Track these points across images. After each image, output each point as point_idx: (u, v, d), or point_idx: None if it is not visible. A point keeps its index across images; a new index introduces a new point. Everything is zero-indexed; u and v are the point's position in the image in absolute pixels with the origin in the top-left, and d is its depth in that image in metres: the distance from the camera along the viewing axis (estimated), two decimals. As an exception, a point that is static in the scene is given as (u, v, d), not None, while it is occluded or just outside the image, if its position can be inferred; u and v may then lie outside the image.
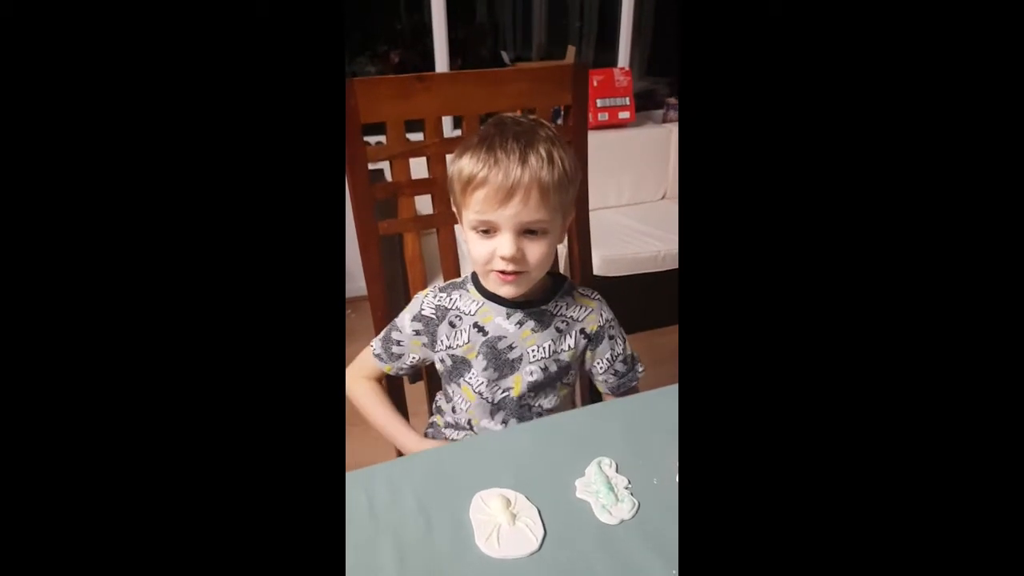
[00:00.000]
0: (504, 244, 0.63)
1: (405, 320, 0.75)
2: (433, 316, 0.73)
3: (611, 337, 0.76)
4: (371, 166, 0.79)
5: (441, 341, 0.73)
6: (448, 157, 0.71)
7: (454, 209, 0.71)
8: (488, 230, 0.64)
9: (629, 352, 0.78)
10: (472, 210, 0.64)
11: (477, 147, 0.64)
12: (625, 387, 0.78)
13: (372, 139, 0.82)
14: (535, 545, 0.46)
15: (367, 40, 2.56)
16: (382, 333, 0.78)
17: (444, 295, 0.74)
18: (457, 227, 0.75)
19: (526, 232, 0.64)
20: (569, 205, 0.68)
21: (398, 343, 0.76)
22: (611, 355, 0.76)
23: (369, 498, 0.51)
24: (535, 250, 0.64)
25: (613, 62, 2.35)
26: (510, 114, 0.72)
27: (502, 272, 0.65)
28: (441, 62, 2.14)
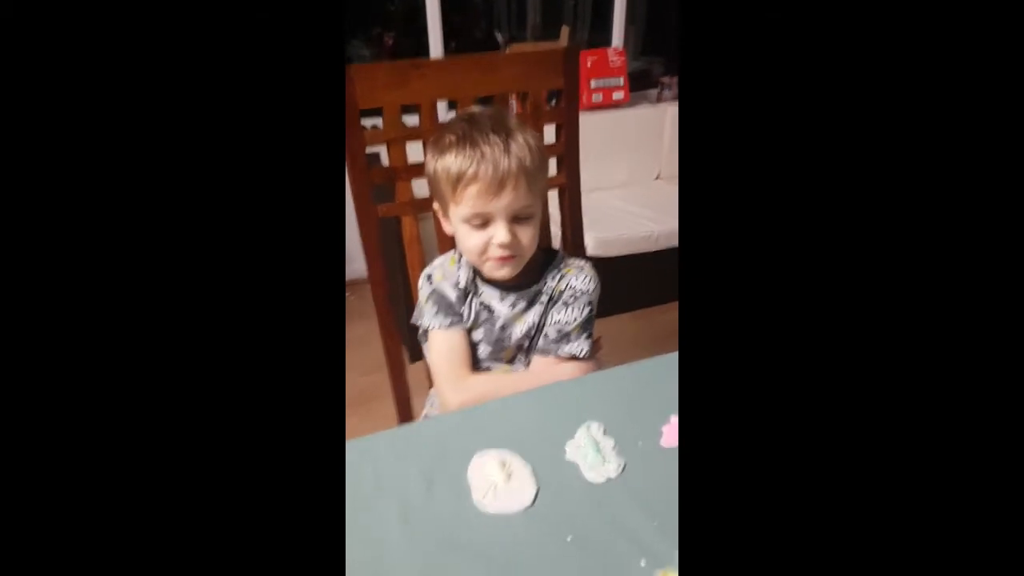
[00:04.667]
0: (500, 233, 0.67)
1: (447, 288, 0.76)
2: (467, 287, 0.76)
3: (565, 303, 0.75)
4: (367, 150, 0.82)
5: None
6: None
7: (435, 205, 0.74)
8: (482, 222, 0.67)
9: (573, 328, 0.74)
10: (465, 205, 0.67)
11: (459, 144, 0.66)
12: (544, 353, 0.75)
13: (368, 122, 0.85)
14: (528, 501, 0.50)
15: (360, 23, 2.55)
16: (427, 308, 0.76)
17: (467, 269, 0.76)
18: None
19: (516, 219, 0.68)
20: (546, 186, 0.73)
21: (451, 306, 0.75)
22: (552, 318, 0.75)
23: (375, 466, 0.54)
24: (526, 233, 0.69)
25: (607, 42, 2.36)
26: (475, 107, 0.75)
27: (499, 258, 0.69)
28: (435, 44, 2.14)
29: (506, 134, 0.66)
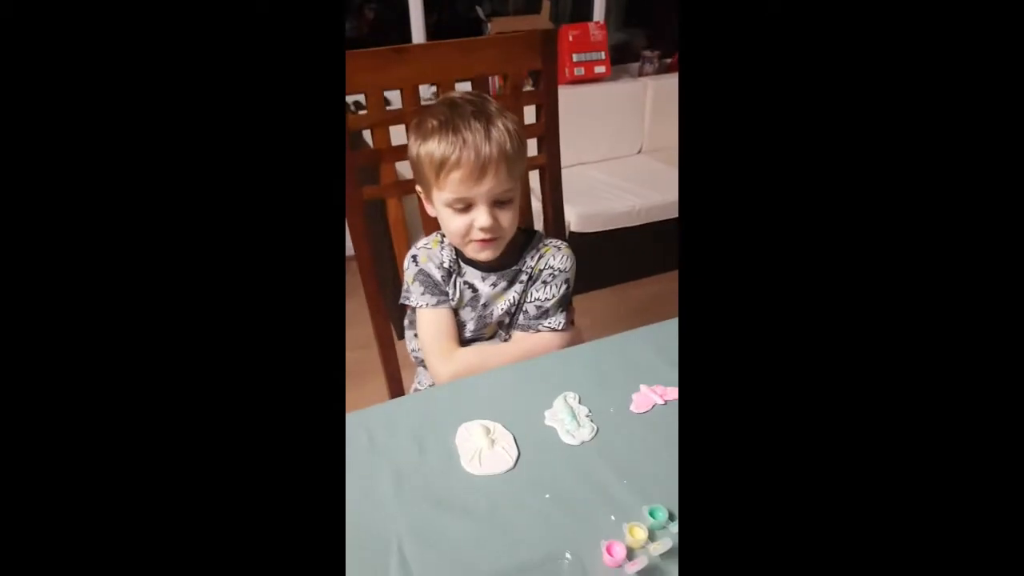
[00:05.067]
0: (481, 216, 0.70)
1: (432, 269, 0.79)
2: (451, 268, 0.80)
3: (544, 282, 0.79)
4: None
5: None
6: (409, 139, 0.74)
7: (418, 188, 0.77)
8: (464, 206, 0.70)
9: (551, 304, 0.79)
10: (448, 190, 0.69)
11: (442, 130, 0.68)
12: (524, 329, 0.79)
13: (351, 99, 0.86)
14: (511, 463, 0.55)
15: (339, -5, 2.49)
16: (414, 288, 0.79)
17: (450, 249, 0.80)
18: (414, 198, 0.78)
19: (497, 203, 0.70)
20: (525, 169, 0.75)
21: (435, 283, 0.78)
22: (532, 296, 0.79)
23: (369, 434, 0.59)
24: (506, 216, 0.72)
25: (589, 15, 2.35)
26: (455, 92, 0.76)
27: (481, 240, 0.72)
28: (416, 17, 2.12)
29: (487, 120, 0.68)
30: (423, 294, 0.79)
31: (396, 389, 0.96)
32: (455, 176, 0.68)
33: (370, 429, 0.60)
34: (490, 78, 1.22)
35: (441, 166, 0.68)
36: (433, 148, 0.69)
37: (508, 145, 0.68)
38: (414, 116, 0.86)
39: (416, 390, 0.91)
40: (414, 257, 0.81)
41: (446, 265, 0.79)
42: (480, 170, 0.67)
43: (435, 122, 0.70)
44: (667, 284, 2.06)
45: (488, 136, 0.67)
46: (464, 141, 0.67)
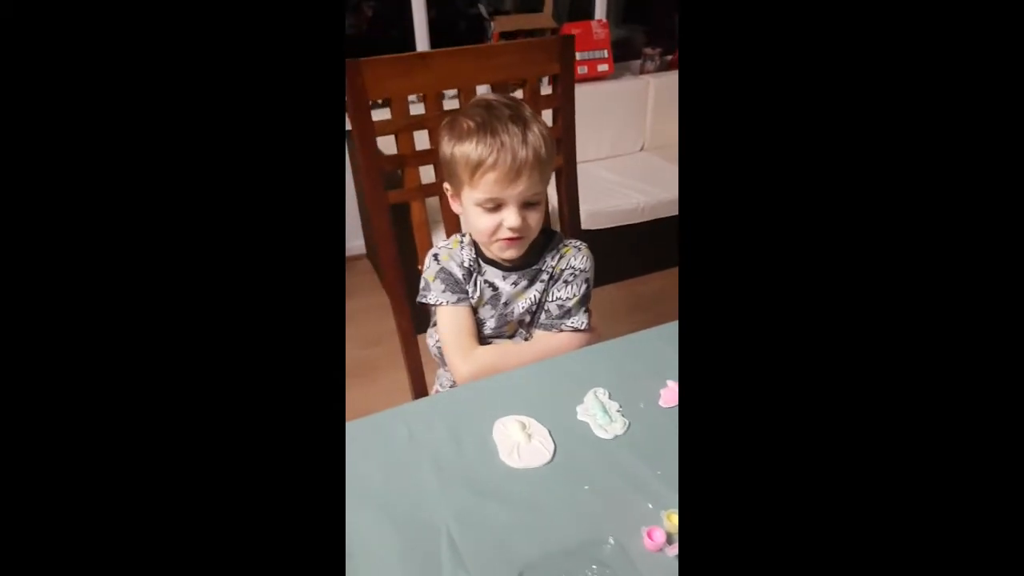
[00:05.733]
0: (511, 217, 0.72)
1: (454, 267, 0.81)
2: (471, 267, 0.82)
3: (566, 282, 0.81)
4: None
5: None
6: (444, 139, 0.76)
7: (446, 186, 0.79)
8: (494, 206, 0.73)
9: (573, 304, 0.81)
10: (480, 190, 0.71)
11: (479, 131, 0.70)
12: (547, 328, 0.82)
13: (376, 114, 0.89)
14: (548, 457, 0.58)
15: (342, -7, 2.50)
16: (435, 285, 0.81)
17: (471, 249, 0.82)
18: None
19: (526, 204, 0.73)
20: (551, 173, 0.78)
21: (456, 281, 0.80)
22: (554, 295, 0.82)
23: (409, 429, 0.62)
24: (534, 217, 0.74)
25: (589, 12, 2.37)
26: (490, 95, 0.79)
27: (508, 239, 0.74)
28: (418, 15, 2.13)
29: (523, 125, 0.70)
30: (444, 291, 0.81)
31: (419, 384, 0.99)
32: (490, 177, 0.70)
33: (409, 424, 0.62)
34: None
35: (477, 167, 0.70)
36: (470, 149, 0.70)
37: (543, 150, 0.71)
38: (438, 120, 0.88)
39: (437, 391, 0.93)
40: (435, 256, 0.83)
41: (466, 264, 0.82)
42: (515, 173, 0.69)
43: (471, 123, 0.71)
44: (673, 279, 2.10)
45: (525, 140, 0.70)
46: (502, 144, 0.69)
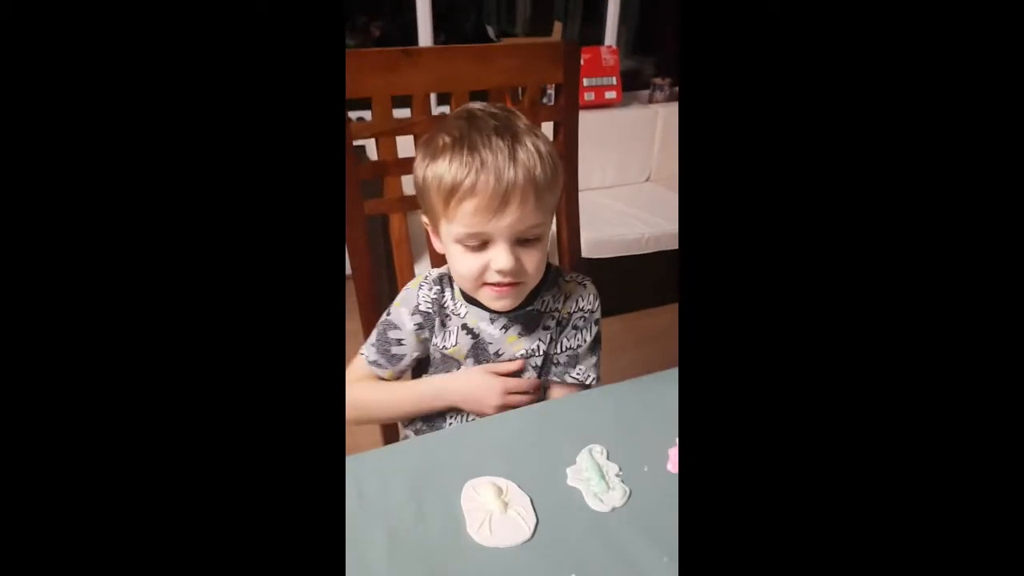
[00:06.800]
0: (500, 257, 0.56)
1: (403, 316, 0.67)
2: (430, 311, 0.67)
3: (575, 327, 0.69)
4: (354, 143, 0.77)
5: (434, 336, 0.69)
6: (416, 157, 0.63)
7: (424, 219, 0.63)
8: (479, 243, 0.56)
9: (583, 352, 0.69)
10: (459, 223, 0.55)
11: (455, 148, 0.54)
12: (557, 378, 0.70)
13: (354, 115, 0.79)
14: (527, 534, 0.46)
15: (346, 11, 2.48)
16: (372, 338, 0.69)
17: (438, 288, 0.68)
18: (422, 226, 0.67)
19: (520, 241, 0.57)
20: (556, 201, 0.61)
21: (399, 342, 0.68)
22: (563, 345, 0.69)
23: (358, 486, 0.50)
24: (532, 258, 0.58)
25: (599, 39, 2.32)
26: (476, 104, 0.64)
27: (497, 285, 0.58)
28: (424, 35, 2.09)
29: (512, 138, 0.54)
30: (371, 345, 0.69)
31: (389, 426, 0.87)
32: (468, 206, 0.54)
33: (359, 480, 0.50)
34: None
35: (452, 192, 0.54)
36: (443, 170, 0.54)
37: (538, 170, 0.54)
38: (426, 126, 0.78)
39: (406, 437, 0.80)
40: (419, 292, 0.69)
41: (425, 308, 0.67)
42: (501, 199, 0.53)
43: (448, 138, 0.56)
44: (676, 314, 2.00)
45: (513, 157, 0.53)
46: (482, 163, 0.53)
